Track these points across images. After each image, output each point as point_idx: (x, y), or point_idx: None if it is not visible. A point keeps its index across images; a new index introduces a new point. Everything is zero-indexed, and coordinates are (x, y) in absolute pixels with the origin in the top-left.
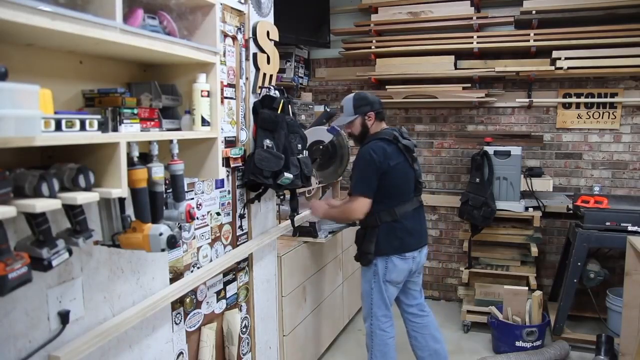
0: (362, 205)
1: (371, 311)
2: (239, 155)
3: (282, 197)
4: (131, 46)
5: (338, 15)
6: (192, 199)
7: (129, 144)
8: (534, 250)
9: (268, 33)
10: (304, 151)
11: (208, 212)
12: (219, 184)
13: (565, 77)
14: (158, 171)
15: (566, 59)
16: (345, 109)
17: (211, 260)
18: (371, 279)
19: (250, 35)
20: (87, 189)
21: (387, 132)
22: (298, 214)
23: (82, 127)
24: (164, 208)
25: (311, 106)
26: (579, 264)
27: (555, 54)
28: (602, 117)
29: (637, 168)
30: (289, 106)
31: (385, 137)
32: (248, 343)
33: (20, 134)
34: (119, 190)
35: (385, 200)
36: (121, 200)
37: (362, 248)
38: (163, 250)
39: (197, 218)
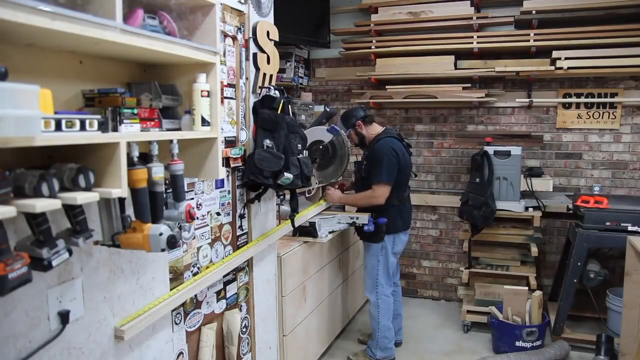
0: (385, 192)
1: (377, 281)
2: (239, 155)
3: (282, 197)
4: (131, 46)
5: (338, 15)
6: (192, 199)
7: (129, 144)
8: (534, 250)
9: (268, 33)
10: (304, 151)
11: (208, 212)
12: (219, 184)
13: (565, 77)
14: (158, 171)
15: (566, 59)
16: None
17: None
18: (379, 254)
19: (250, 35)
20: (87, 189)
21: (391, 131)
22: (297, 213)
23: (82, 127)
24: (164, 208)
25: (311, 106)
26: (579, 264)
27: (555, 54)
28: (602, 117)
29: (637, 168)
30: (289, 106)
31: (393, 136)
32: (248, 343)
33: (20, 134)
34: (119, 190)
35: (397, 188)
36: (121, 200)
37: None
38: (163, 250)
39: (197, 218)
